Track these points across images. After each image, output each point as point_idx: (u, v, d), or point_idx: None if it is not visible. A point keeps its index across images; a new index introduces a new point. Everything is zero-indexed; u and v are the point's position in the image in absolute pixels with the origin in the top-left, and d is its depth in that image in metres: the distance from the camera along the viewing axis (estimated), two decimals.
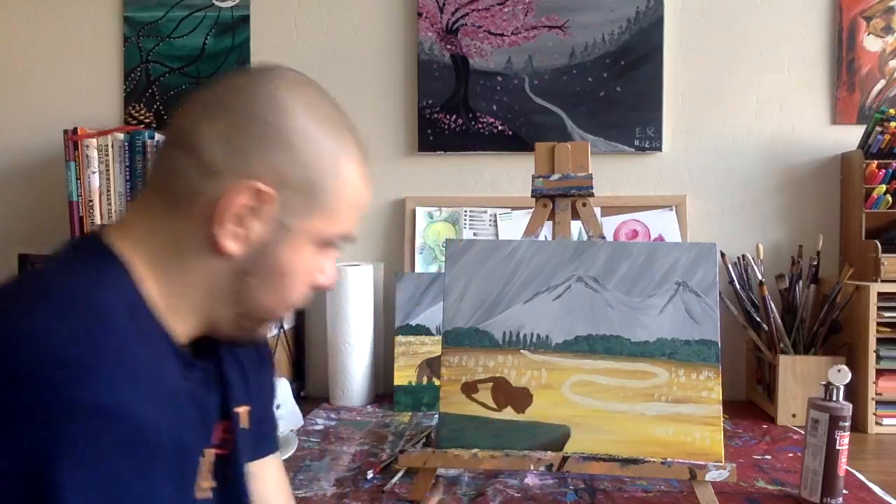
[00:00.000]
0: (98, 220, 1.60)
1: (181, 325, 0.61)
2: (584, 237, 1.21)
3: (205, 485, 0.63)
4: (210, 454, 0.65)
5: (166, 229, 0.60)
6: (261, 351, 0.78)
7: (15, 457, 0.46)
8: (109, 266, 0.57)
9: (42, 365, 0.48)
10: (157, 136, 1.62)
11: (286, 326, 1.65)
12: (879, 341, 1.41)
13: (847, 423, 1.02)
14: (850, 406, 1.04)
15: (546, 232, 1.15)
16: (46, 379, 0.47)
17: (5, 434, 0.47)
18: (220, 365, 0.68)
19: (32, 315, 0.50)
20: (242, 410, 0.71)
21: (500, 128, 1.72)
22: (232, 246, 0.60)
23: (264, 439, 0.80)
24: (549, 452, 1.01)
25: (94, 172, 1.60)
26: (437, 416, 1.37)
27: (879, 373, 1.41)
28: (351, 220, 0.66)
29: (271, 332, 1.53)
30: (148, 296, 0.58)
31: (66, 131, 1.62)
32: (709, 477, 0.96)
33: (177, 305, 0.60)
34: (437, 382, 1.55)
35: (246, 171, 0.59)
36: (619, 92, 1.69)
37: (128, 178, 1.61)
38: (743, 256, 1.59)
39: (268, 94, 0.61)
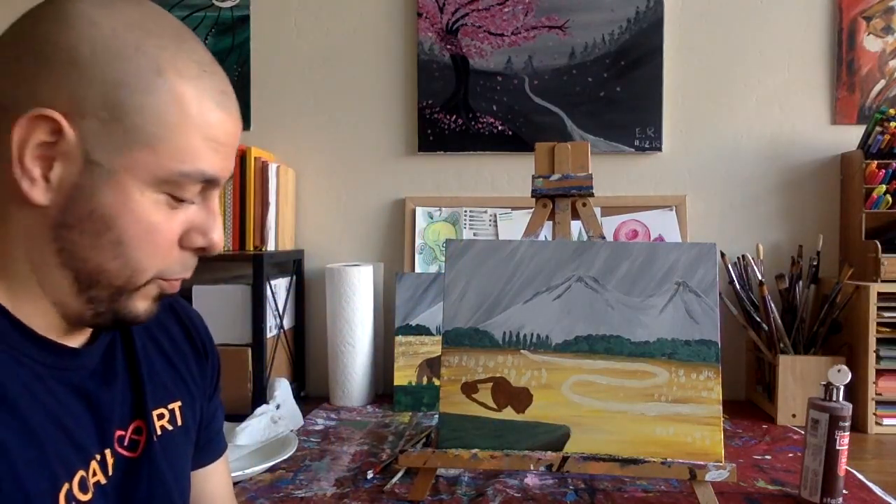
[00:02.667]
0: None
1: (34, 309, 0.54)
2: (584, 237, 1.21)
3: (83, 497, 0.54)
4: (108, 456, 0.58)
5: None
6: (197, 344, 0.72)
7: None
8: None
9: None
10: None
11: (286, 326, 1.65)
12: (879, 341, 1.41)
13: (847, 423, 1.02)
14: (850, 406, 1.03)
15: (546, 232, 1.15)
16: None
17: None
18: (132, 358, 0.62)
19: None
20: (174, 406, 0.66)
21: (500, 128, 1.72)
22: (35, 192, 0.50)
23: (211, 443, 0.75)
24: (549, 452, 1.01)
25: None
26: (437, 416, 1.37)
27: (879, 373, 1.41)
28: (200, 151, 0.53)
29: (271, 332, 1.54)
30: None
31: None
32: (709, 477, 0.96)
33: (14, 283, 0.52)
34: (437, 382, 1.55)
35: (33, 101, 0.49)
36: (619, 92, 1.69)
37: None
38: (743, 256, 1.59)
39: (53, 8, 0.51)
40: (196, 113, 0.53)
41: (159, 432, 0.64)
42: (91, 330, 0.60)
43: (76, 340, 0.58)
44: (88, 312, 0.55)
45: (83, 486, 0.54)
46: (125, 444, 0.61)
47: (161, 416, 0.65)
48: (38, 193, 0.50)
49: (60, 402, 0.54)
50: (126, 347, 0.64)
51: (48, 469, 0.51)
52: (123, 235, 0.52)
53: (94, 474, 0.56)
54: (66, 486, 0.52)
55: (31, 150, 0.49)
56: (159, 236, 0.54)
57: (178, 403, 0.68)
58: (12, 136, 0.49)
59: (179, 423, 0.67)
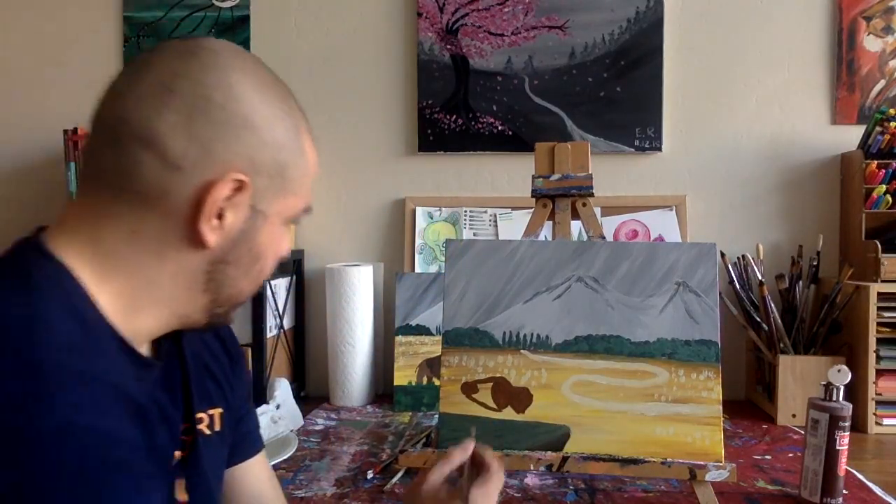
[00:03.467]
0: None
1: (148, 322, 0.59)
2: (584, 237, 1.21)
3: (180, 492, 0.62)
4: (176, 456, 0.64)
5: (127, 229, 0.56)
6: (231, 351, 0.76)
7: None
8: (47, 272, 0.54)
9: None
10: None
11: (286, 326, 1.65)
12: (879, 341, 1.41)
13: (847, 423, 1.02)
14: (850, 406, 1.04)
15: (546, 232, 1.15)
16: None
17: None
18: (183, 366, 0.67)
19: None
20: (214, 413, 0.70)
21: (500, 128, 1.72)
22: (211, 238, 0.57)
23: (244, 440, 0.79)
24: (549, 452, 1.01)
25: None
26: (437, 416, 1.37)
27: (879, 373, 1.41)
28: (310, 191, 0.65)
29: (271, 332, 1.54)
30: (95, 298, 0.55)
31: (66, 131, 1.62)
32: (709, 477, 0.96)
33: (142, 303, 0.58)
34: (437, 382, 1.55)
35: (216, 162, 0.56)
36: (619, 92, 1.69)
37: None
38: (743, 256, 1.59)
39: (215, 77, 0.57)
40: (312, 160, 0.64)
41: (200, 435, 0.68)
42: (152, 341, 0.64)
43: (147, 352, 0.62)
44: (205, 321, 0.63)
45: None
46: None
47: (200, 421, 0.68)
48: (213, 238, 0.58)
49: (149, 411, 0.59)
50: (179, 357, 0.67)
51: (162, 471, 0.59)
52: (265, 265, 0.64)
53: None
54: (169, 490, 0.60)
55: (217, 205, 0.57)
56: (277, 256, 0.66)
57: (219, 410, 0.71)
58: (202, 192, 0.56)
59: (217, 428, 0.70)
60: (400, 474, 1.13)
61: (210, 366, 0.72)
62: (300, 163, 0.62)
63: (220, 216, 0.57)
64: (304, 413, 1.49)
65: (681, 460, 0.98)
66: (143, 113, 0.55)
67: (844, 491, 1.04)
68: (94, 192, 0.57)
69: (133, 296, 0.57)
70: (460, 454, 0.80)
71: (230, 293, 0.62)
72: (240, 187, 0.57)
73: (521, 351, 1.05)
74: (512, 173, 1.73)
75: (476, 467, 0.79)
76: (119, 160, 0.55)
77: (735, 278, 1.55)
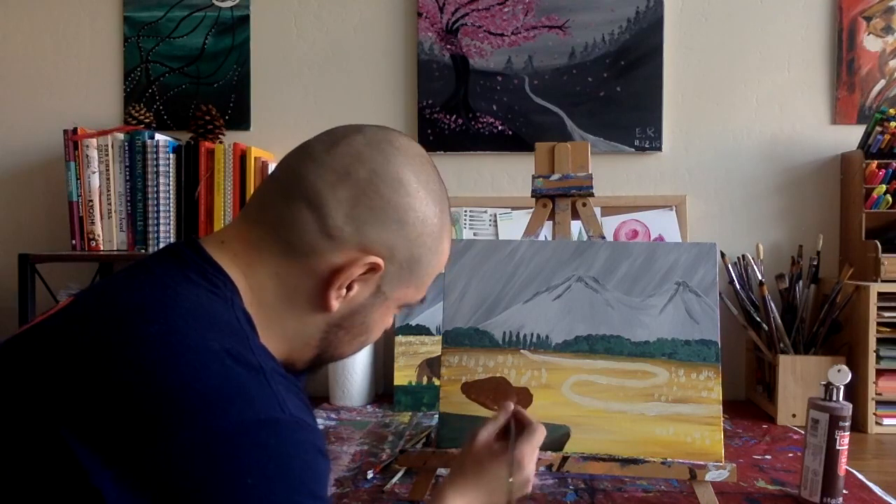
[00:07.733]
0: (98, 220, 1.60)
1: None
2: (584, 237, 1.21)
3: None
4: None
5: (272, 269, 0.63)
6: None
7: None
8: (227, 286, 0.60)
9: (220, 389, 0.51)
10: (158, 136, 1.62)
11: None
12: (879, 341, 1.41)
13: (847, 423, 1.02)
14: (850, 406, 1.03)
15: (546, 232, 1.15)
16: (222, 403, 0.50)
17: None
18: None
19: (183, 334, 0.53)
20: None
21: (500, 128, 1.72)
22: (335, 303, 0.64)
23: None
24: (549, 452, 1.00)
25: (94, 172, 1.60)
26: (437, 416, 1.37)
27: (879, 373, 1.41)
28: (428, 285, 0.72)
29: None
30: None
31: (66, 131, 1.62)
32: (709, 477, 0.96)
33: (268, 337, 0.63)
34: (437, 382, 1.55)
35: (362, 242, 0.62)
36: (619, 92, 1.69)
37: (128, 178, 1.60)
38: (743, 256, 1.59)
39: (391, 173, 0.64)
40: (443, 262, 0.70)
41: None
42: None
43: None
44: (300, 369, 0.69)
45: None
46: None
47: None
48: (336, 304, 0.64)
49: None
50: None
51: None
52: (370, 337, 0.71)
53: None
54: None
55: (350, 279, 0.63)
56: (380, 333, 0.72)
57: None
58: (341, 265, 0.62)
59: None
60: (400, 474, 1.13)
61: None
62: (432, 261, 0.68)
63: (349, 288, 0.64)
64: None
65: (681, 460, 0.98)
66: (320, 181, 0.62)
67: (844, 491, 1.04)
68: (256, 228, 0.64)
69: (263, 327, 0.62)
70: (504, 415, 0.86)
71: (334, 353, 0.69)
72: (374, 269, 0.63)
73: (521, 351, 1.05)
74: (512, 173, 1.73)
75: (518, 425, 0.85)
76: (285, 210, 0.63)
77: (735, 278, 1.55)
